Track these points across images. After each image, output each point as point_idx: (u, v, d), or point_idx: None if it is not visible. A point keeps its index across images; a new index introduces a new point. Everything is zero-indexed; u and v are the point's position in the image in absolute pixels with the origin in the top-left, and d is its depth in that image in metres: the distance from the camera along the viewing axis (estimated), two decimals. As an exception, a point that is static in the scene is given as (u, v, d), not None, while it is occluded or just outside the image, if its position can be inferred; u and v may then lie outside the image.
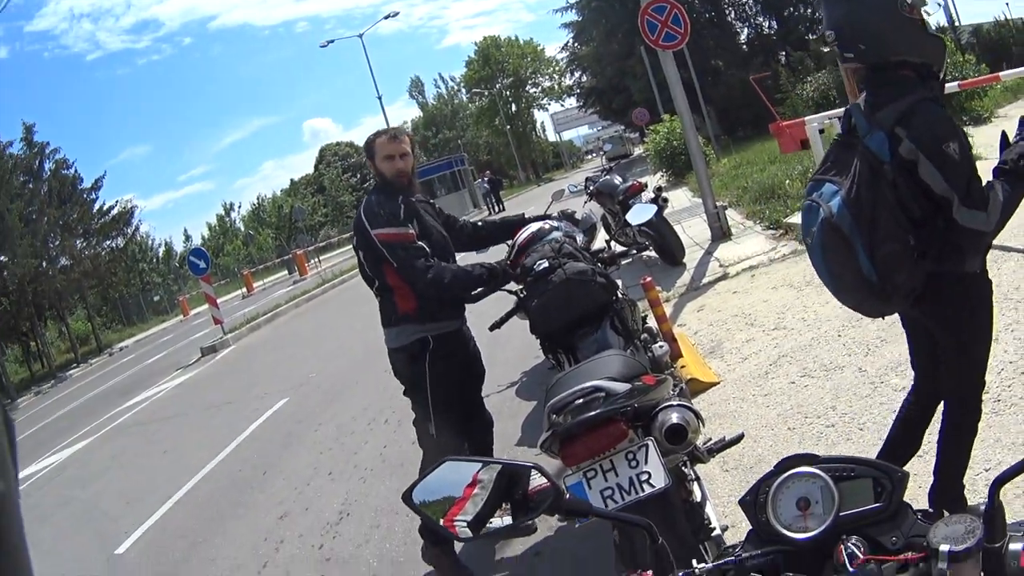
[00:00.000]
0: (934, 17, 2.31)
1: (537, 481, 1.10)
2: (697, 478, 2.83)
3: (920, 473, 3.12)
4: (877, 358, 4.45)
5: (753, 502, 1.09)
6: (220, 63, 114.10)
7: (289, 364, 11.53)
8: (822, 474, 1.05)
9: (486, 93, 64.60)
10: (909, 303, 2.27)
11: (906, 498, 1.05)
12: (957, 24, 25.99)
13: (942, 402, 2.53)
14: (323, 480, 5.74)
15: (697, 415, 2.40)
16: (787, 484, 1.07)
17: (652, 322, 5.13)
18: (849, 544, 1.00)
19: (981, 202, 2.11)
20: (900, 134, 2.12)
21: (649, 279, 5.67)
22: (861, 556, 0.98)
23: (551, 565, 3.63)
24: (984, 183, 2.18)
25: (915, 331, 2.58)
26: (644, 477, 2.26)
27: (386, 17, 42.63)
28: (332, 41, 40.56)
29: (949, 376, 2.43)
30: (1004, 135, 2.31)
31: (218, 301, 17.81)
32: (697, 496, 2.70)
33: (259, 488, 6.20)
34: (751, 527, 1.11)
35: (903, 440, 2.67)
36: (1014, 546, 0.92)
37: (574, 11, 41.14)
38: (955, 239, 2.15)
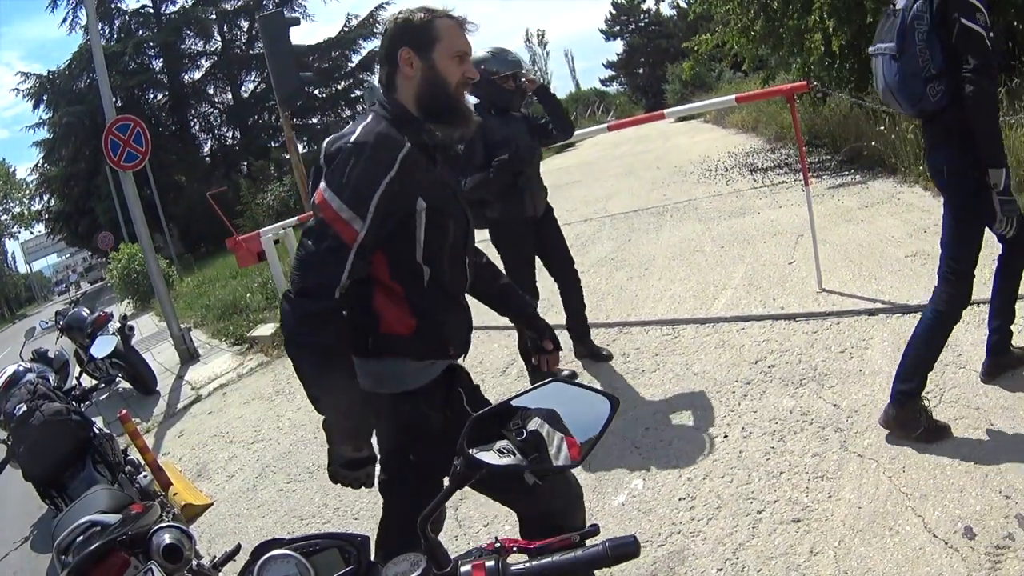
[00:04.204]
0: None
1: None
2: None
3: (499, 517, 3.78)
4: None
5: None
6: None
7: None
8: (293, 553, 1.13)
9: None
10: (933, 112, 3.20)
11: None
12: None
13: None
14: None
15: (187, 533, 2.65)
16: (266, 568, 1.12)
17: (135, 454, 5.09)
18: None
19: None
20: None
21: (125, 412, 5.55)
22: None
23: None
24: None
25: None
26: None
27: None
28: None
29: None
30: None
31: None
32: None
33: None
34: None
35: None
36: (464, 568, 1.00)
37: (45, 128, 36.74)
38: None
